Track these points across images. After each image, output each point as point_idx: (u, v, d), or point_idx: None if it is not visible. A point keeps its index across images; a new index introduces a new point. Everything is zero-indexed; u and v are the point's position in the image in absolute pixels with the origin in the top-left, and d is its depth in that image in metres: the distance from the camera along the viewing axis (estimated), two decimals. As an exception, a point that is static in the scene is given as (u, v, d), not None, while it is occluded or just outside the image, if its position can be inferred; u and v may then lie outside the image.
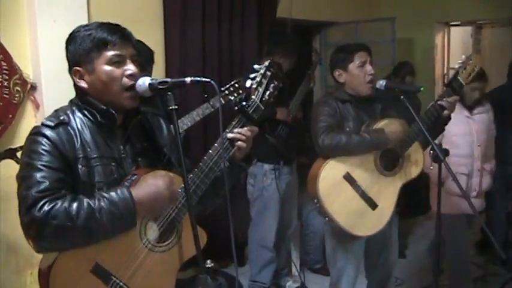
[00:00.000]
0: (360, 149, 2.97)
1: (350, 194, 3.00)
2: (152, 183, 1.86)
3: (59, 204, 1.72)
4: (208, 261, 3.88)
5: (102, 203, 1.75)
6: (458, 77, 2.94)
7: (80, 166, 1.83)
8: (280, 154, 4.09)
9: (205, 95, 3.08)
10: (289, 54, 4.07)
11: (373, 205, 3.02)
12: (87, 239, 1.77)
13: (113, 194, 1.79)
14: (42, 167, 1.76)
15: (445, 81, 6.70)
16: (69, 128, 1.85)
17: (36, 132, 1.83)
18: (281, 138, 4.07)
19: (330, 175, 3.00)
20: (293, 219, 4.44)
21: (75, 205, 1.73)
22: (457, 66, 2.96)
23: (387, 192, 3.04)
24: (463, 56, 2.99)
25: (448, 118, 2.97)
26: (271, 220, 4.16)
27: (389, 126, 2.98)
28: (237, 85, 3.14)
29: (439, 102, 2.91)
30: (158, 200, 1.86)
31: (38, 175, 1.75)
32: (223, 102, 3.15)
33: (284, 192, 4.19)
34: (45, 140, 1.79)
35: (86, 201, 1.75)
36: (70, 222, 1.71)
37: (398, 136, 2.97)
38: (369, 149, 2.99)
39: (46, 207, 1.70)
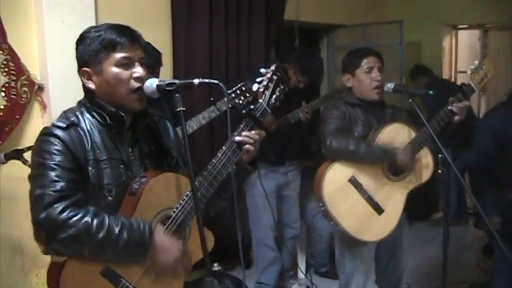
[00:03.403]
0: (365, 159, 2.95)
1: (355, 198, 2.98)
2: (174, 247, 1.89)
3: (81, 215, 1.73)
4: (215, 264, 3.90)
5: (123, 232, 1.77)
6: (470, 82, 2.91)
7: (90, 168, 1.83)
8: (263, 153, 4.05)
9: (212, 99, 3.07)
10: (301, 74, 4.05)
11: (379, 210, 2.99)
12: (95, 256, 1.78)
13: (135, 226, 1.80)
14: (55, 166, 1.76)
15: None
16: (79, 129, 1.85)
17: (47, 133, 1.82)
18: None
19: (335, 178, 2.98)
20: (294, 221, 4.40)
21: (96, 222, 1.74)
22: (469, 71, 2.93)
23: (394, 197, 3.02)
24: (476, 62, 2.96)
25: (459, 124, 2.92)
26: (264, 217, 4.13)
27: (396, 134, 2.97)
28: (243, 88, 3.14)
29: (449, 108, 2.88)
30: (166, 257, 1.88)
31: (52, 174, 1.75)
32: (230, 106, 3.14)
33: (273, 192, 4.17)
34: (57, 140, 1.79)
35: (107, 222, 1.76)
36: (86, 237, 1.73)
37: (407, 157, 2.93)
38: (375, 161, 2.98)
39: (66, 213, 1.71)
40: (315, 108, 4.16)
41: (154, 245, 1.83)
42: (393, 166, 2.99)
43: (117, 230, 1.76)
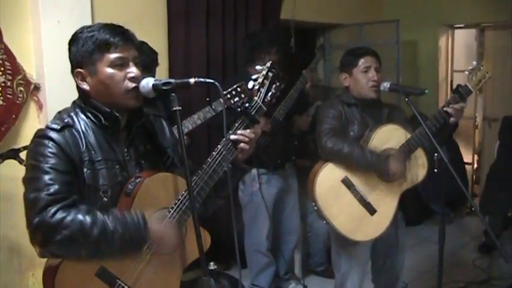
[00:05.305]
0: (357, 165, 2.96)
1: (348, 198, 2.99)
2: (169, 230, 1.89)
3: (73, 214, 1.72)
4: (211, 264, 3.89)
5: (118, 226, 1.76)
6: (467, 84, 2.87)
7: (85, 169, 1.82)
8: (262, 161, 3.98)
9: (208, 99, 3.06)
10: (272, 51, 3.86)
11: (372, 210, 3.00)
12: (93, 254, 1.78)
13: (129, 219, 1.80)
14: (49, 170, 1.75)
15: (449, 85, 6.70)
16: (74, 130, 1.84)
17: (41, 135, 1.81)
18: (261, 147, 3.93)
19: (328, 178, 2.99)
20: (295, 226, 4.33)
21: (89, 220, 1.73)
22: (467, 72, 2.90)
23: (387, 198, 3.02)
24: (474, 62, 2.92)
25: (455, 125, 2.91)
26: (262, 225, 4.10)
27: (391, 135, 2.98)
28: (239, 89, 3.14)
29: (445, 109, 2.86)
30: (166, 243, 1.90)
31: (46, 177, 1.74)
32: (225, 106, 3.13)
33: (275, 197, 4.13)
34: (51, 142, 1.78)
35: (100, 218, 1.75)
36: (82, 236, 1.72)
37: (399, 168, 2.95)
38: (366, 168, 2.97)
39: (59, 215, 1.70)
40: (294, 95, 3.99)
41: (150, 235, 1.83)
42: (384, 175, 2.98)
43: (111, 225, 1.75)
